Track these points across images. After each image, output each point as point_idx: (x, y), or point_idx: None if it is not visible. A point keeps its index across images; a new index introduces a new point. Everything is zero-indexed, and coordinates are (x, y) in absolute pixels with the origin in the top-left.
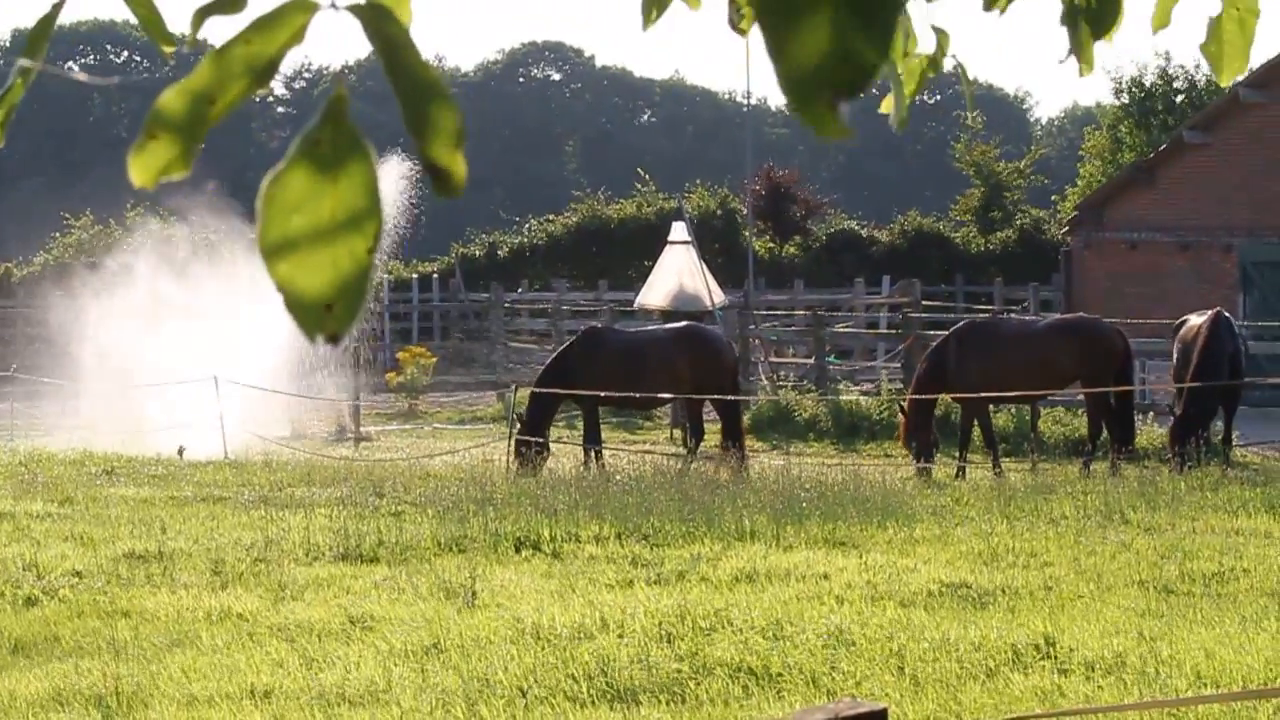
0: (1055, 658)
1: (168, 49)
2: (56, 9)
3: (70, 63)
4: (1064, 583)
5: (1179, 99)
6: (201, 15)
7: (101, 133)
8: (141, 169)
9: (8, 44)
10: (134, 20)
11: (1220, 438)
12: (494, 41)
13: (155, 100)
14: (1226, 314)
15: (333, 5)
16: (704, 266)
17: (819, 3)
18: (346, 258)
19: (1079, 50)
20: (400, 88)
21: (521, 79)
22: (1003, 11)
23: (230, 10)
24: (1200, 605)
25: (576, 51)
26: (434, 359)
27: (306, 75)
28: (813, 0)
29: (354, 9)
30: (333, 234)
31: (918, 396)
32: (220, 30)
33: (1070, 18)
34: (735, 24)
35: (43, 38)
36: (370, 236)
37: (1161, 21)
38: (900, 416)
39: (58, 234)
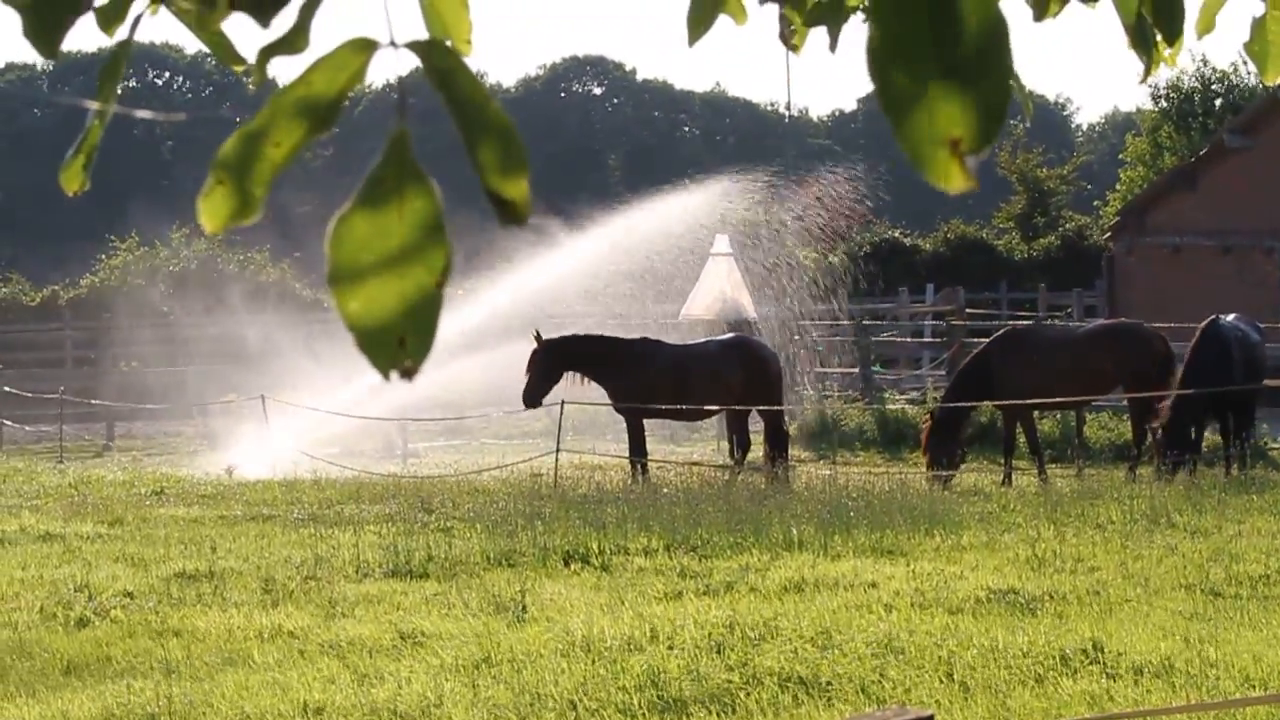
0: (1103, 662)
1: (239, 69)
2: (124, 47)
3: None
4: (1111, 587)
5: (1217, 102)
6: (265, 55)
7: (145, 154)
8: (211, 215)
9: (52, 69)
10: (174, 43)
11: (1238, 440)
12: (535, 56)
13: (219, 147)
14: (1228, 320)
15: (392, 43)
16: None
17: (932, 78)
18: (416, 292)
19: (1150, 63)
20: (462, 122)
21: (563, 93)
22: (1055, 18)
23: (293, 50)
24: (1248, 608)
25: (617, 65)
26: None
27: None
28: (926, 71)
29: (414, 46)
30: (401, 270)
31: (952, 404)
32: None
33: (1139, 35)
34: (787, 40)
35: (113, 78)
36: (438, 270)
37: (1206, 26)
38: (927, 423)
39: (103, 256)
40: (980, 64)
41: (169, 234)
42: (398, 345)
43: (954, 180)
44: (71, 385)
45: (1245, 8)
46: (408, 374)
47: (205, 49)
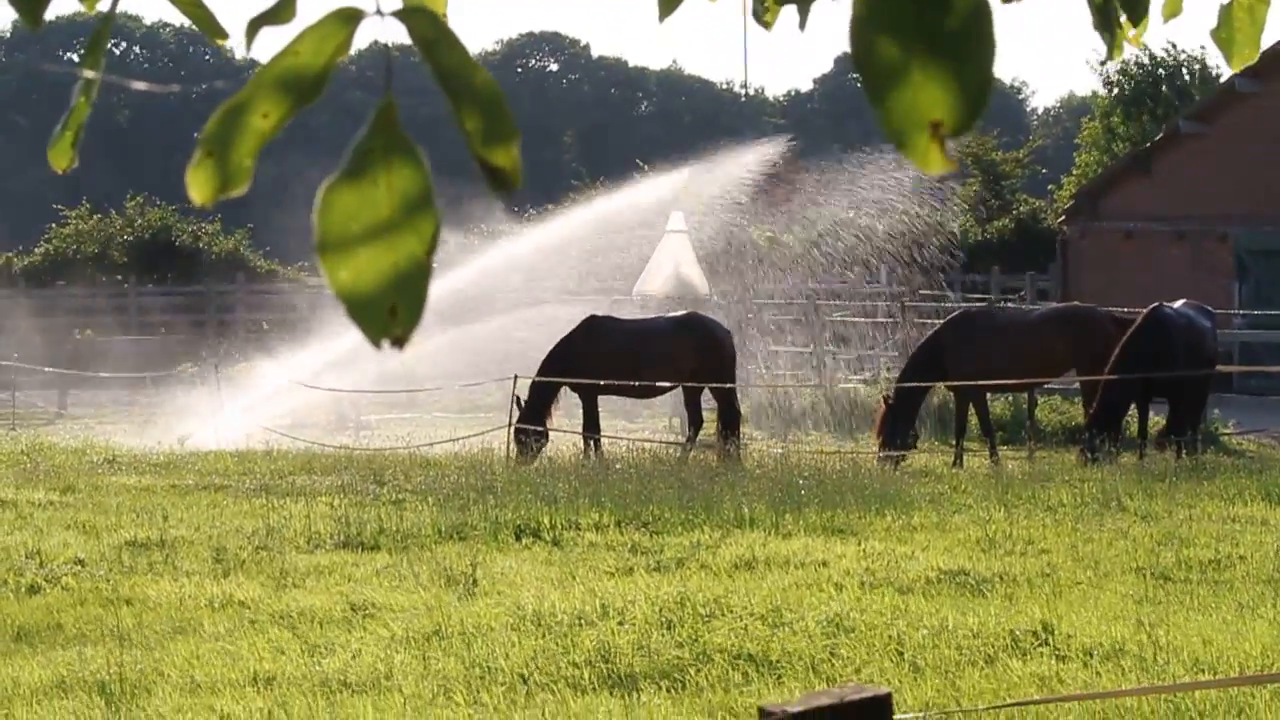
0: (1053, 644)
1: (221, 42)
2: (108, 20)
3: (71, 55)
4: (1062, 570)
5: (1163, 89)
6: (254, 26)
7: (101, 123)
8: (199, 187)
9: (8, 35)
10: (134, 12)
11: (1189, 427)
12: (492, 32)
13: (208, 120)
14: (1174, 306)
15: (378, 12)
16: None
17: (915, 55)
18: (406, 261)
19: (1113, 45)
20: (449, 91)
21: (519, 70)
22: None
23: (280, 20)
24: (1197, 592)
25: (573, 42)
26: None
27: None
28: (909, 53)
29: (400, 14)
30: (390, 239)
31: (907, 385)
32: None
33: (1104, 16)
34: (759, 16)
35: (98, 50)
36: (428, 239)
37: (1173, 10)
38: (881, 405)
39: (54, 225)
40: (965, 42)
41: (124, 202)
42: (389, 314)
43: (933, 162)
44: (25, 352)
45: None
46: (399, 343)
47: (164, 19)
